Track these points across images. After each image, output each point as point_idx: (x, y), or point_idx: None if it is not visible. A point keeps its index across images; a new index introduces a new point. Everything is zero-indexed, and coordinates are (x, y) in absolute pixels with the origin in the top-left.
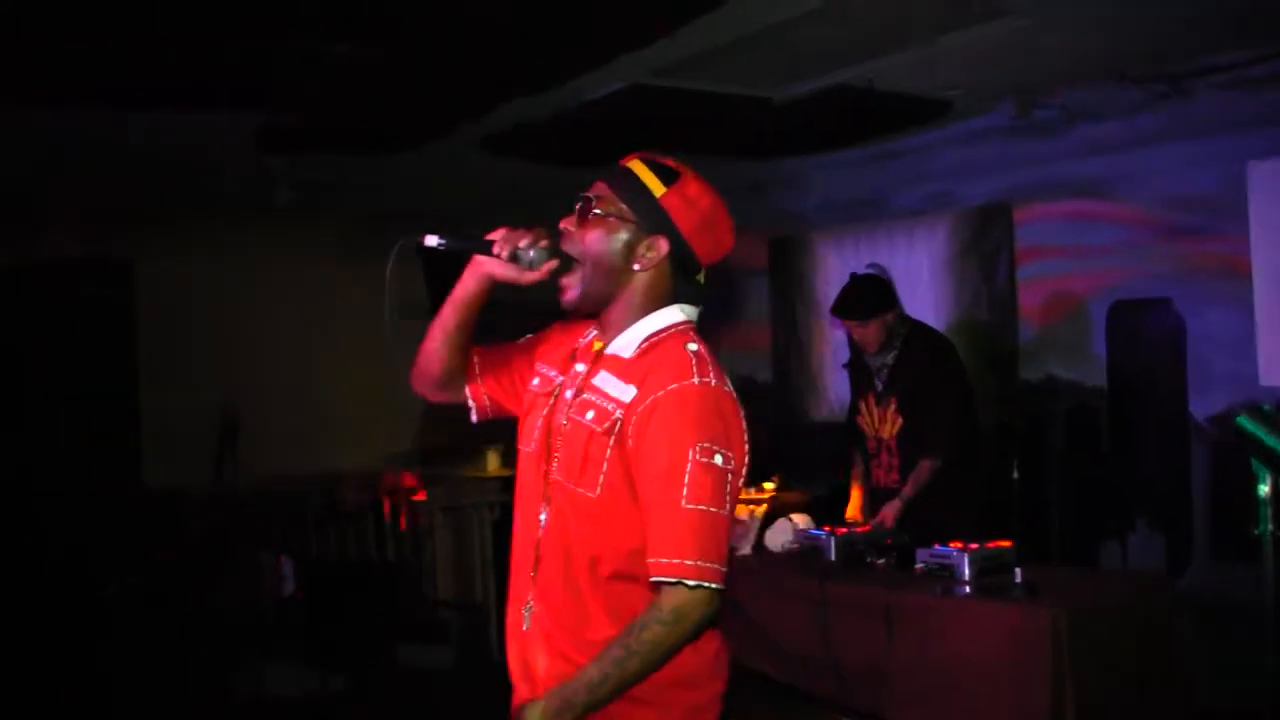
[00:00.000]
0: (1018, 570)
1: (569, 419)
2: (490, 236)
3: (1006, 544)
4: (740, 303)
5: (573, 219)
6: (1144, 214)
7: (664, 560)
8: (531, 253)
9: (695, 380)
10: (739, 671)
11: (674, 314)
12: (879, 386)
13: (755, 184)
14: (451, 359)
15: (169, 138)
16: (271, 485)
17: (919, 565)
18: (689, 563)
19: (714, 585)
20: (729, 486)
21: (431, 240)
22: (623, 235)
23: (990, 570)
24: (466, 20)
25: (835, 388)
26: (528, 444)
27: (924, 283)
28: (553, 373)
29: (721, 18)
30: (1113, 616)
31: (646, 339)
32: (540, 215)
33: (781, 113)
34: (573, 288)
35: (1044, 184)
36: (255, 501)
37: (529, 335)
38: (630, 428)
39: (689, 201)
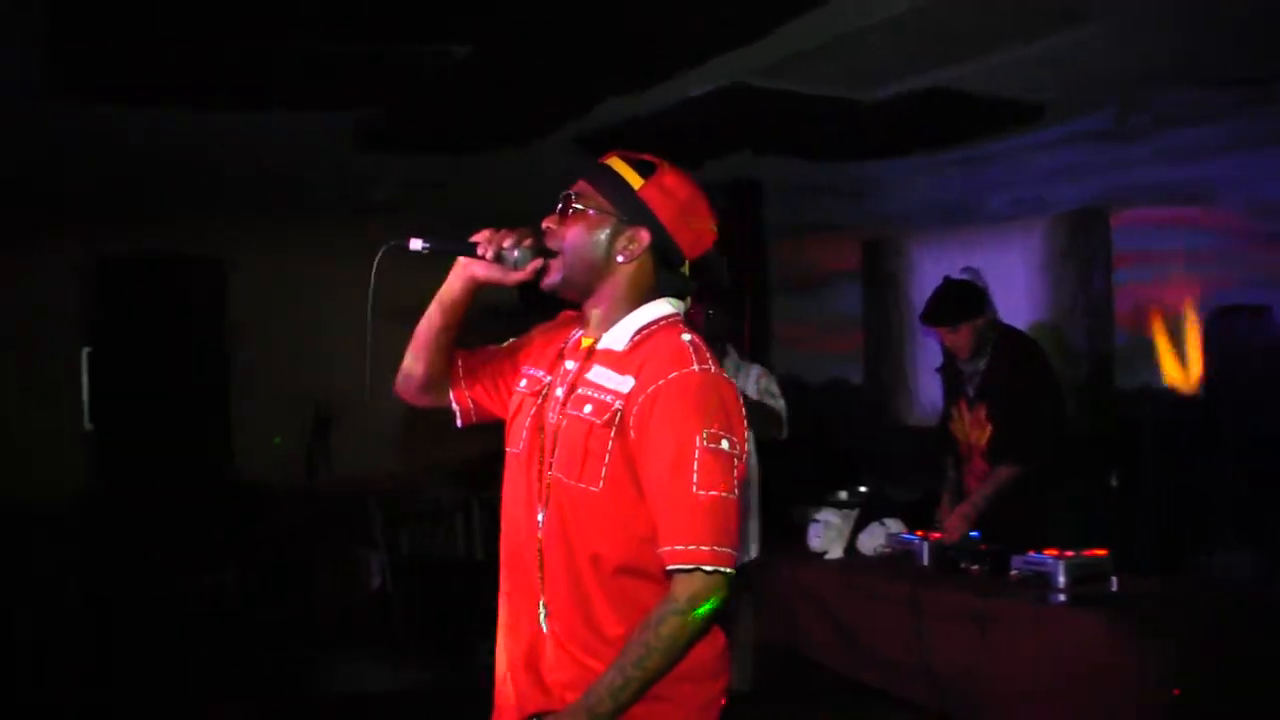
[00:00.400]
0: (1113, 579)
1: (565, 415)
2: (475, 238)
3: (1102, 552)
4: (832, 304)
5: (555, 217)
6: (1242, 220)
7: (679, 548)
8: (516, 253)
9: (695, 368)
10: (831, 676)
11: (663, 307)
12: (970, 393)
13: (848, 186)
14: (436, 362)
15: (263, 137)
16: (362, 482)
17: (1013, 572)
18: (704, 548)
19: (728, 570)
20: (735, 471)
21: (416, 244)
22: (604, 229)
23: (1085, 579)
24: (565, 19)
25: (927, 391)
26: (515, 445)
27: (1019, 288)
28: (539, 373)
29: (817, 19)
30: (1207, 627)
31: (638, 331)
32: None
33: (874, 115)
34: (556, 271)
35: (1140, 189)
36: (345, 498)
37: (511, 339)
38: (631, 418)
39: (666, 192)
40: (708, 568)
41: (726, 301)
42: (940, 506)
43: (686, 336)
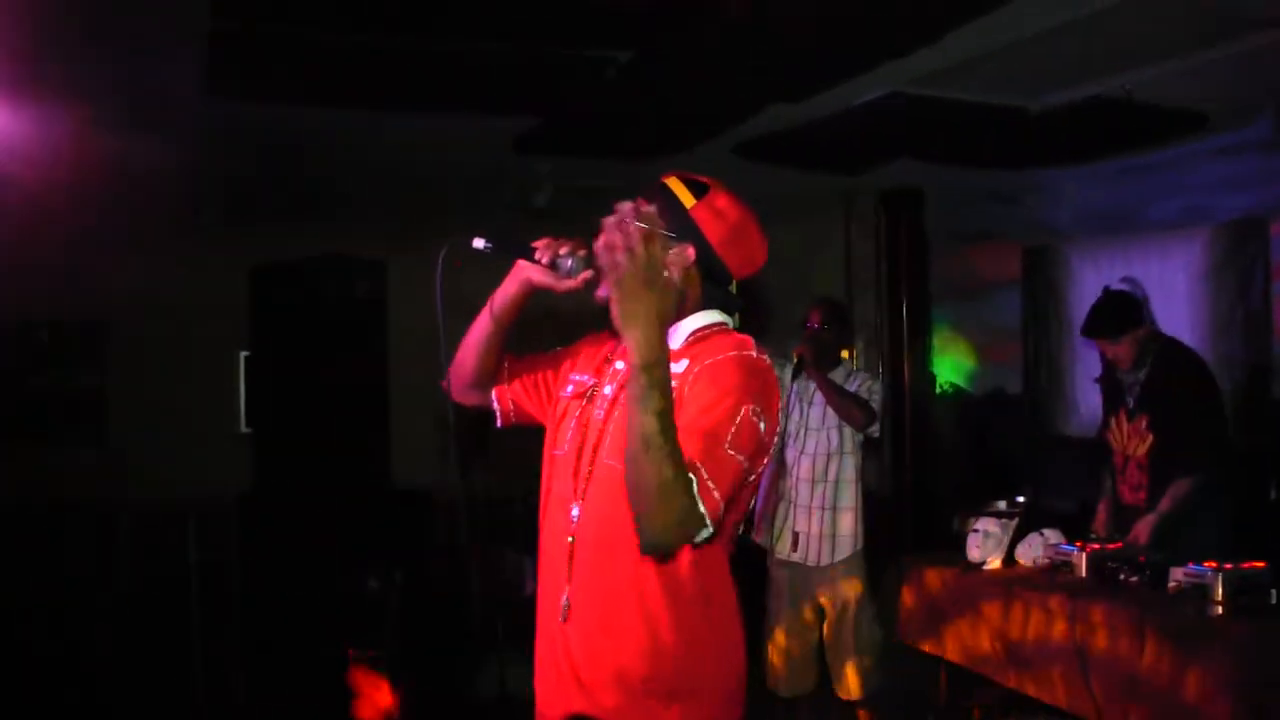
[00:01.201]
0: (1273, 591)
1: (619, 407)
2: (534, 244)
3: (1261, 565)
4: (991, 313)
5: None
6: None
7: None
8: (569, 261)
9: (752, 352)
10: (988, 684)
11: (714, 315)
12: (1130, 403)
13: (1009, 194)
14: (486, 360)
15: (424, 139)
16: (516, 487)
17: (1172, 584)
18: (715, 495)
19: (709, 521)
20: (763, 449)
21: (479, 243)
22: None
23: (1245, 591)
24: (733, 25)
25: (1086, 401)
26: (560, 447)
27: (1179, 298)
28: (585, 378)
29: (984, 27)
30: None
31: (692, 333)
32: (788, 220)
33: (1037, 123)
34: (609, 284)
35: None
36: (501, 502)
37: (559, 348)
38: (685, 391)
39: (717, 213)
40: (703, 509)
41: (840, 314)
42: (1097, 516)
43: (740, 337)
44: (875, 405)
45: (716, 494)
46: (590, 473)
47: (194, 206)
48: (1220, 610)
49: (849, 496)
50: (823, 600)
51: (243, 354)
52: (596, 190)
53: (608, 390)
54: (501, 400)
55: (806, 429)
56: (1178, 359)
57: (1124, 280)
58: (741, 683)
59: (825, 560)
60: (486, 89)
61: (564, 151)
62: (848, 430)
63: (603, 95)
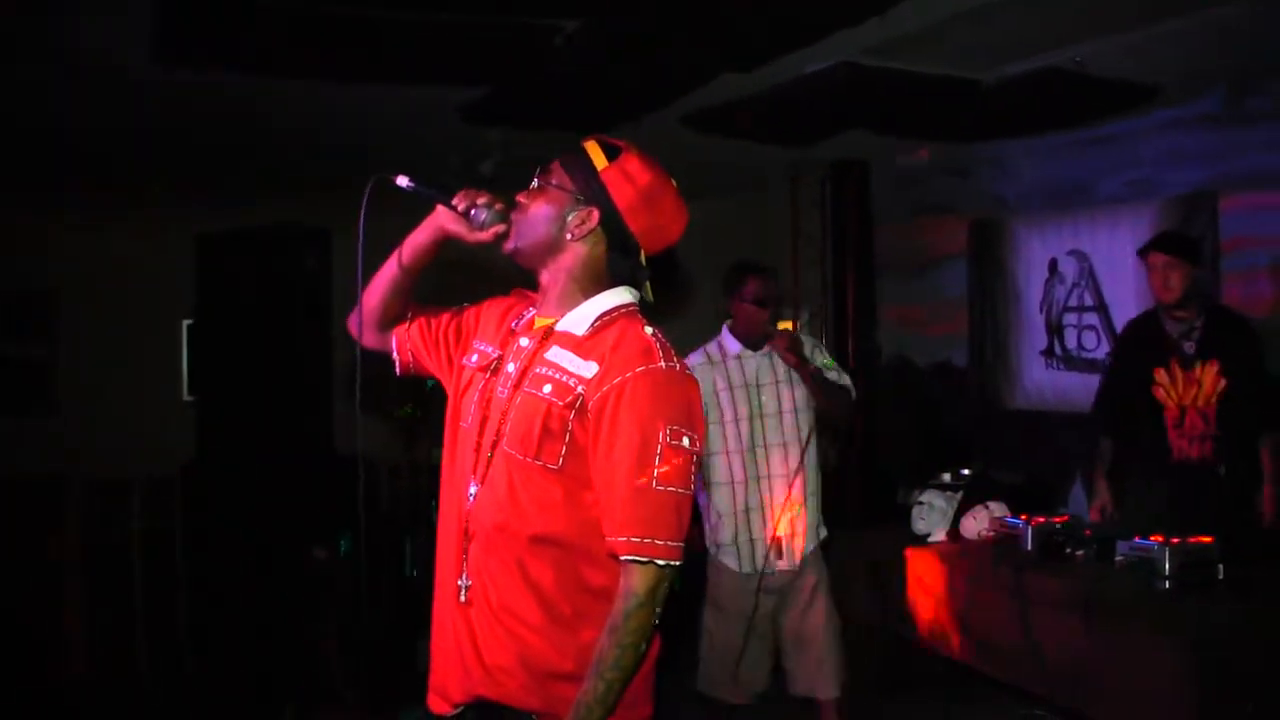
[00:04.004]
0: (1220, 566)
1: (521, 393)
2: (457, 192)
3: (1208, 539)
4: (938, 285)
5: (527, 191)
6: None
7: (635, 539)
8: (484, 214)
9: (662, 364)
10: (933, 657)
11: (622, 295)
12: (1190, 349)
13: (958, 167)
14: (390, 304)
15: (370, 108)
16: None
17: (1119, 558)
18: (659, 542)
19: (678, 563)
20: (694, 468)
21: (402, 181)
22: (562, 206)
23: (1192, 565)
24: None
25: (1032, 375)
26: (464, 419)
27: (1127, 272)
28: (489, 348)
29: None
30: None
31: (599, 317)
32: (735, 191)
33: (988, 95)
34: (514, 240)
35: (1252, 174)
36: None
37: (465, 304)
38: (591, 404)
39: (627, 176)
40: (661, 561)
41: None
42: (1096, 485)
43: (649, 330)
44: (850, 387)
45: (667, 542)
46: (491, 457)
47: (140, 174)
48: (1168, 585)
49: (814, 481)
50: (778, 596)
51: (186, 322)
52: (545, 160)
53: (511, 368)
54: (401, 349)
55: (764, 416)
56: (1235, 316)
57: (1071, 254)
58: (652, 665)
59: (798, 558)
60: (434, 58)
61: (511, 121)
62: (810, 411)
63: (550, 64)
